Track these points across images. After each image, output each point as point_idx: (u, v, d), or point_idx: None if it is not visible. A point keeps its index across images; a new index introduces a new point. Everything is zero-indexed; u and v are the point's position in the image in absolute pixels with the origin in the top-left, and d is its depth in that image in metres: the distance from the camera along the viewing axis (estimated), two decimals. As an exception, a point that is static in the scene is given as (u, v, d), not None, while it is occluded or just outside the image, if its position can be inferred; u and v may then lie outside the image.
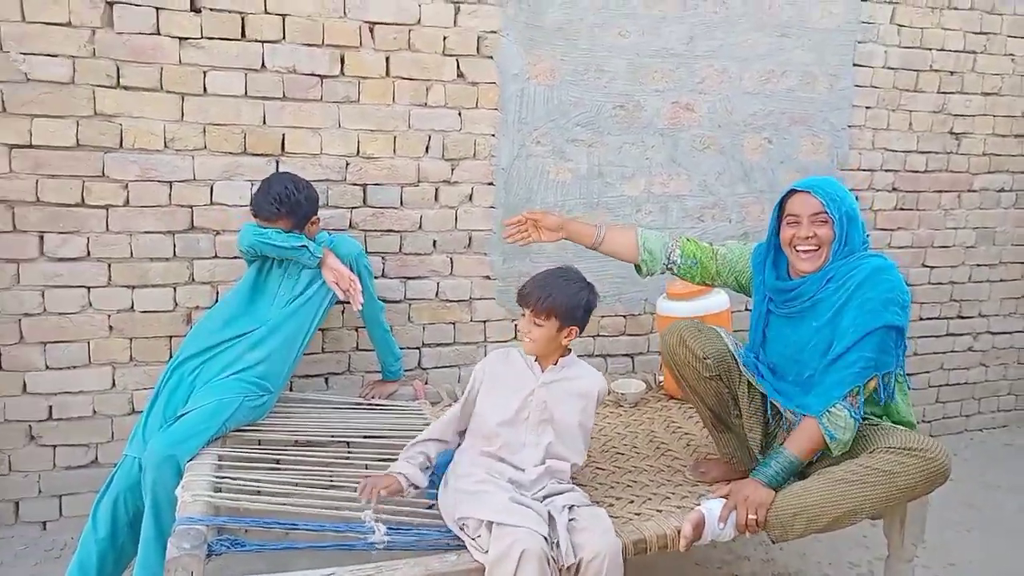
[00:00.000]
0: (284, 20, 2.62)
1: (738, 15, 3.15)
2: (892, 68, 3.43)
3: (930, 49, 3.48)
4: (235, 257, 2.70)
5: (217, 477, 2.19)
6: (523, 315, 2.08)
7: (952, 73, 3.54)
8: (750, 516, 1.92)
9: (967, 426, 4.03)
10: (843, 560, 2.87)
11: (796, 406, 2.10)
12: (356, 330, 2.92)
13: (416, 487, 2.05)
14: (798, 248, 2.09)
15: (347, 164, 2.78)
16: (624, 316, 3.30)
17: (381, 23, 2.71)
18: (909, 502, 2.08)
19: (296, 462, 2.37)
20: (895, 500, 1.96)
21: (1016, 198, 3.82)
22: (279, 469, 2.34)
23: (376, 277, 2.87)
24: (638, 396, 2.97)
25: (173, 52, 2.55)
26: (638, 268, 2.38)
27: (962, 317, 3.87)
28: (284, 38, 2.63)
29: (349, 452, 2.50)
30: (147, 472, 2.16)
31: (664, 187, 3.24)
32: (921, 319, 3.76)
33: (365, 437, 2.56)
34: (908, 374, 3.77)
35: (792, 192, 2.12)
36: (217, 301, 2.70)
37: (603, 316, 3.28)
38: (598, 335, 3.32)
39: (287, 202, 2.42)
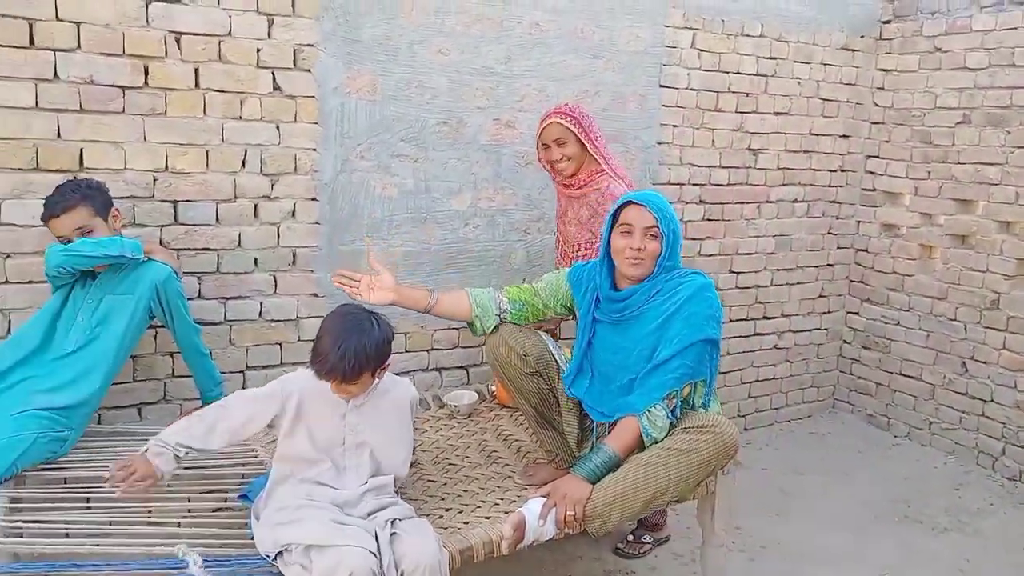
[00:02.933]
0: (79, 28, 2.46)
1: (552, 37, 3.29)
2: (695, 89, 3.70)
3: (727, 72, 3.78)
4: (29, 282, 2.50)
5: (10, 521, 2.01)
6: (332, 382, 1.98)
7: (748, 94, 3.86)
8: (568, 512, 1.99)
9: (776, 418, 4.38)
10: (668, 551, 3.03)
11: (611, 413, 2.22)
12: (171, 355, 2.77)
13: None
14: (627, 257, 2.22)
15: (155, 180, 2.64)
16: (457, 329, 3.33)
17: (188, 33, 2.60)
18: (708, 477, 2.23)
19: (108, 500, 2.20)
20: (695, 476, 2.11)
21: (808, 208, 4.21)
22: (89, 509, 2.17)
23: (192, 298, 2.74)
24: (471, 407, 3.00)
25: (-52, 59, 2.33)
26: (472, 326, 2.44)
27: (767, 318, 4.21)
28: (79, 47, 2.47)
29: (168, 485, 2.36)
30: None
31: (490, 201, 3.31)
32: (731, 321, 4.05)
33: (186, 468, 2.43)
34: (722, 372, 4.08)
35: (629, 203, 2.25)
36: (10, 329, 2.48)
37: (436, 330, 3.29)
38: (432, 348, 3.33)
39: (80, 187, 2.31)
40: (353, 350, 1.91)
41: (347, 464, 2.05)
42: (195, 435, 2.01)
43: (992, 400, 3.82)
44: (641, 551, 2.96)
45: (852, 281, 4.46)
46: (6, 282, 2.51)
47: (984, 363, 3.85)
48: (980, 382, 3.87)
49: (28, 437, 2.17)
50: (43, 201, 2.35)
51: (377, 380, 2.06)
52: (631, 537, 2.99)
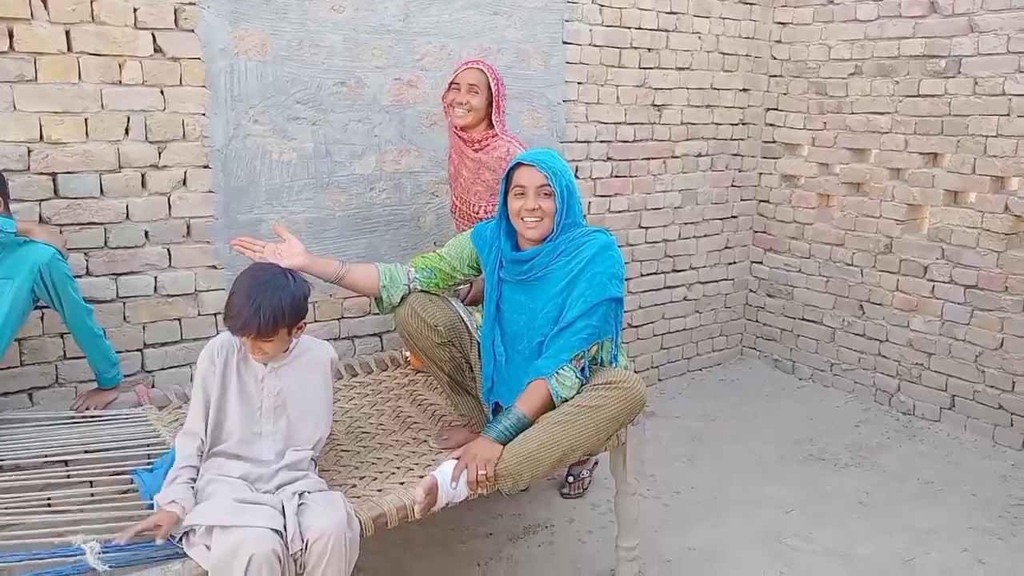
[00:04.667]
0: (-71, -13, 2.26)
1: (451, -8, 3.22)
2: (598, 46, 3.69)
3: (629, 28, 3.78)
4: None
5: None
6: (247, 338, 1.95)
7: (650, 50, 3.88)
8: (480, 472, 1.99)
9: (689, 367, 4.50)
10: (586, 504, 3.09)
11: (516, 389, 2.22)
12: (61, 336, 2.62)
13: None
14: (525, 219, 2.21)
15: (29, 151, 2.47)
16: (365, 297, 3.26)
17: (56, -8, 2.43)
18: (618, 431, 2.27)
19: (4, 490, 2.09)
20: (604, 431, 2.14)
21: (712, 161, 4.29)
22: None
23: (80, 276, 2.59)
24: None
25: None
26: (379, 302, 2.39)
27: (676, 271, 4.29)
28: (-69, 8, 2.27)
29: (68, 471, 2.26)
30: None
31: (396, 164, 3.24)
32: (642, 275, 4.12)
33: (86, 452, 2.32)
34: (635, 326, 4.15)
35: (518, 165, 2.23)
36: None
37: (346, 298, 3.22)
38: (343, 317, 3.26)
39: None
40: (268, 304, 1.89)
41: (263, 430, 2.00)
42: (186, 454, 1.95)
43: (887, 340, 4.02)
44: (584, 488, 3.12)
45: (756, 232, 4.59)
46: None
47: (879, 305, 4.04)
48: (876, 323, 4.06)
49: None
50: None
51: (295, 340, 2.03)
52: (570, 479, 3.10)
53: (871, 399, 4.12)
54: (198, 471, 1.95)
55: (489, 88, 2.79)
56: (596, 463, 3.19)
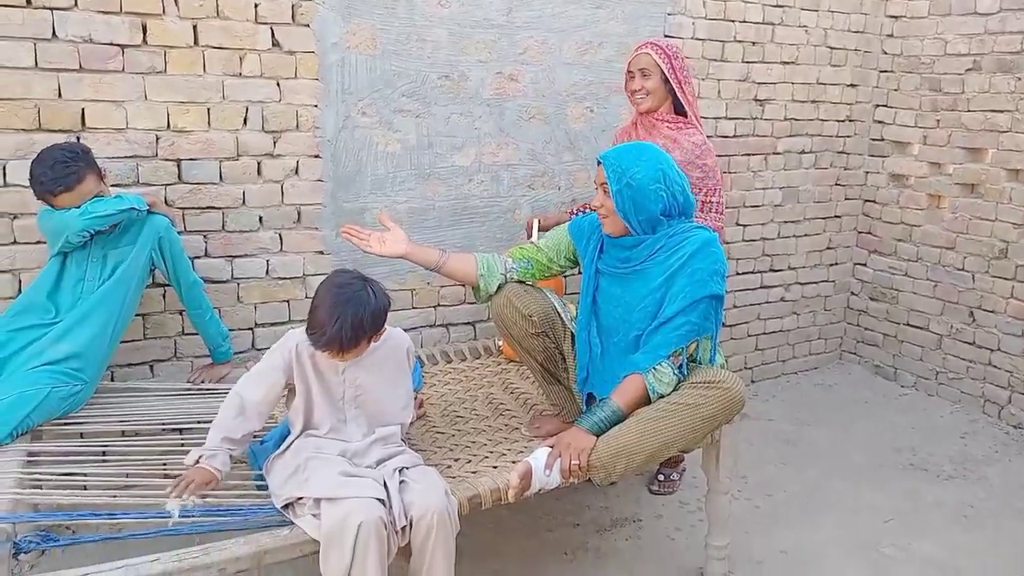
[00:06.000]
0: (75, -15, 2.44)
1: (555, -14, 3.24)
2: (700, 39, 3.64)
3: (733, 21, 3.71)
4: (38, 242, 2.51)
5: (28, 473, 2.06)
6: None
7: (754, 44, 3.80)
8: (573, 461, 2.02)
9: (783, 370, 4.39)
10: (674, 501, 3.07)
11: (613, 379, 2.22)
12: (180, 313, 2.79)
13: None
14: (598, 213, 2.26)
15: (157, 139, 2.64)
16: (463, 285, 3.34)
17: (185, -11, 2.59)
18: (714, 431, 2.25)
19: (124, 453, 2.26)
20: (700, 430, 2.13)
21: (815, 159, 4.17)
22: (106, 462, 2.22)
23: (198, 257, 2.76)
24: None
25: (-54, 20, 2.32)
26: (476, 290, 2.46)
27: (774, 270, 4.20)
28: (76, 5, 2.44)
29: (183, 439, 2.41)
30: None
31: (494, 156, 3.30)
32: (738, 274, 4.05)
33: (199, 423, 2.47)
34: (729, 325, 4.09)
35: (599, 162, 2.25)
36: (21, 290, 2.51)
37: (443, 286, 3.30)
38: (439, 305, 3.35)
39: (80, 157, 2.30)
40: (351, 323, 1.87)
41: (348, 416, 2.07)
42: (231, 427, 1.96)
43: (999, 349, 3.83)
44: (673, 489, 3.12)
45: (860, 232, 4.44)
46: (15, 243, 2.53)
47: (992, 312, 3.85)
48: (987, 331, 3.87)
49: (41, 391, 2.22)
50: (34, 174, 2.29)
51: (374, 344, 2.03)
52: (661, 477, 3.11)
53: (979, 410, 3.93)
54: (232, 447, 1.96)
55: (662, 66, 2.75)
56: (685, 468, 3.16)
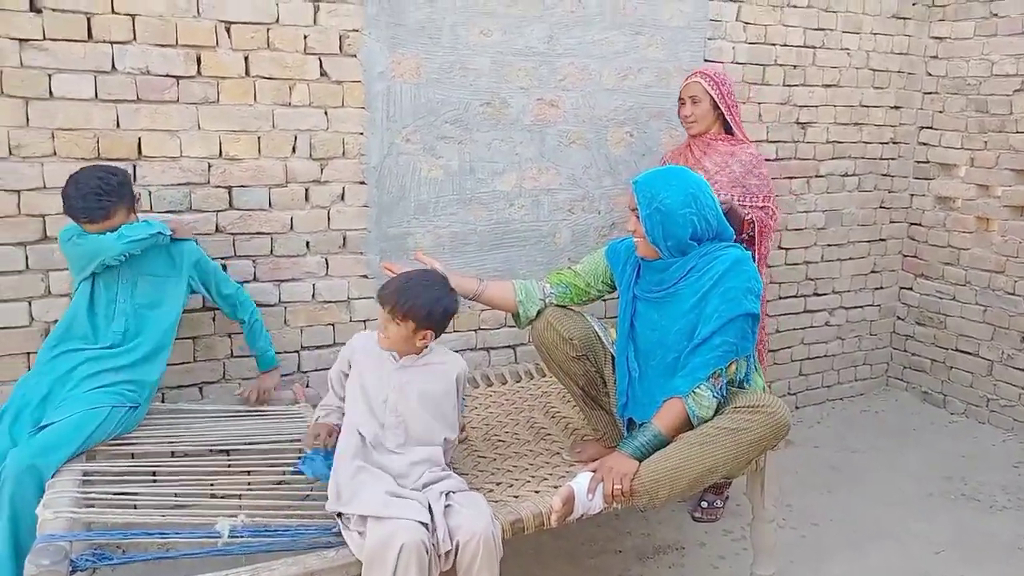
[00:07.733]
0: (134, 20, 2.53)
1: (594, 14, 3.28)
2: (740, 63, 3.65)
3: (774, 44, 3.71)
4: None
5: (83, 493, 2.11)
6: (382, 311, 2.14)
7: (795, 67, 3.80)
8: (616, 486, 2.01)
9: (828, 396, 4.32)
10: (718, 528, 3.03)
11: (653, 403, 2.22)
12: (229, 336, 2.86)
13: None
14: (632, 236, 2.29)
15: (209, 166, 2.72)
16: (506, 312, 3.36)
17: (237, 22, 2.66)
18: (758, 457, 2.22)
19: (174, 474, 2.31)
20: (745, 455, 2.10)
21: (859, 182, 4.13)
22: (156, 482, 2.27)
23: (247, 281, 2.83)
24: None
25: (13, 54, 2.43)
26: (516, 316, 2.49)
27: (817, 294, 4.15)
28: (135, 39, 2.55)
29: (230, 461, 2.46)
30: (5, 484, 2.05)
31: (535, 181, 3.33)
32: (780, 298, 4.01)
33: (246, 444, 2.52)
34: (772, 350, 4.04)
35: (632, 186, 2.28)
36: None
37: (484, 310, 3.33)
38: (479, 328, 3.37)
39: (114, 191, 2.34)
40: (415, 293, 2.11)
41: (386, 423, 2.11)
42: (335, 396, 2.31)
43: (1053, 375, 3.73)
44: (717, 517, 3.09)
45: (905, 256, 4.37)
46: (72, 268, 2.62)
47: (1045, 338, 3.75)
48: (1041, 357, 3.77)
49: (103, 411, 2.28)
50: (66, 195, 2.32)
51: (422, 342, 2.15)
52: (704, 504, 3.07)
53: (1033, 439, 3.82)
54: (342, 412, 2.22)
55: (709, 94, 2.92)
56: (729, 496, 3.13)
